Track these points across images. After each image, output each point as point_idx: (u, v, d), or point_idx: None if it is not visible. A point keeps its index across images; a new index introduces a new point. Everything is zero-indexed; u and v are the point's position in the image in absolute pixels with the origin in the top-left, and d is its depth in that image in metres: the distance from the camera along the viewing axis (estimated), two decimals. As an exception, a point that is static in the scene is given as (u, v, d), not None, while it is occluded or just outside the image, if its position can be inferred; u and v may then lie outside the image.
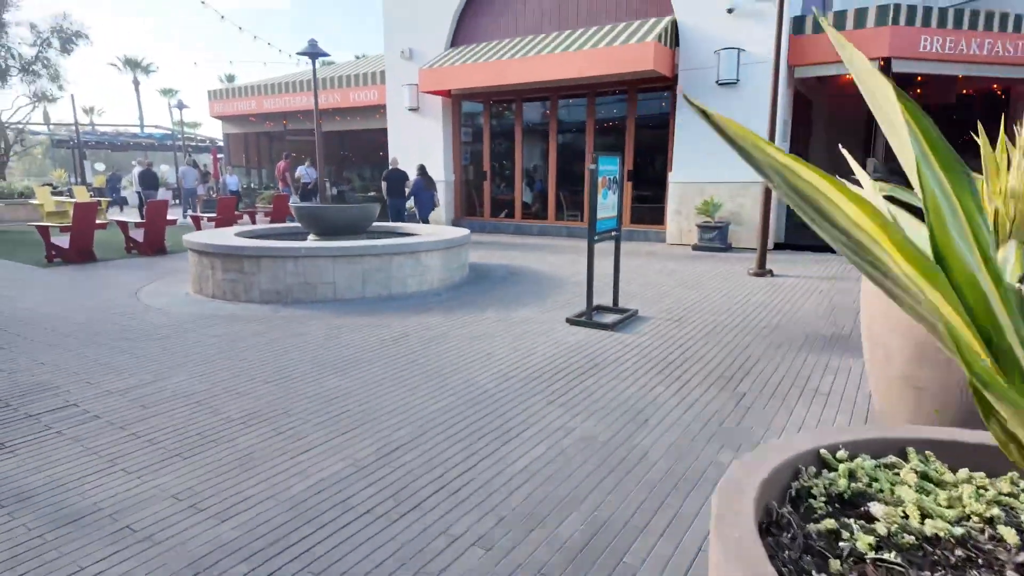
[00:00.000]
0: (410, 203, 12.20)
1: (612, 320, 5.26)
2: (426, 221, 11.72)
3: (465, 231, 7.85)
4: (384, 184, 11.91)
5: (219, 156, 22.77)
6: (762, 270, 7.69)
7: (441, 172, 13.72)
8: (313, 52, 11.69)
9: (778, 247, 10.02)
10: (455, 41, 13.30)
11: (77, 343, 4.83)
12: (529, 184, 13.32)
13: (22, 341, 4.89)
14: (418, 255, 6.81)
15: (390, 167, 12.16)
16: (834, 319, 5.53)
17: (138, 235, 10.12)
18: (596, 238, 5.16)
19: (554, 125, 12.53)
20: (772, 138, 7.42)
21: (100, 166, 31.74)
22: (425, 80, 12.70)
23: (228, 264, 6.41)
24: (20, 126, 17.26)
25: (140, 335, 5.06)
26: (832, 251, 9.71)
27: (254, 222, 12.62)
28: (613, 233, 5.53)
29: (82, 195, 16.99)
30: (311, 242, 7.36)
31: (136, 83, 48.72)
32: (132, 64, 48.51)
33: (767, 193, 7.57)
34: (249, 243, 6.53)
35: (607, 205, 5.30)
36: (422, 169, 11.81)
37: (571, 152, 12.60)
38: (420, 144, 13.94)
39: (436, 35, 13.31)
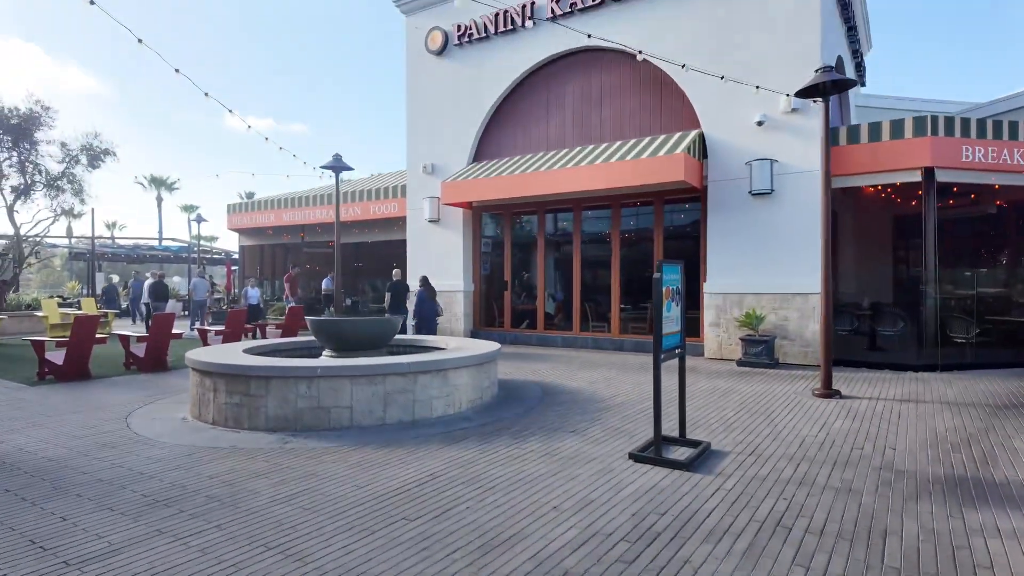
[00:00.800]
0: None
1: (685, 457, 4.39)
2: (432, 332, 11.13)
3: (495, 345, 7.16)
4: (388, 296, 11.75)
5: (233, 268, 22.74)
6: (829, 391, 6.85)
7: (460, 282, 13.31)
8: (337, 166, 11.71)
9: (829, 363, 9.20)
10: (477, 156, 13.42)
11: (40, 488, 3.98)
12: (552, 294, 12.82)
13: (-23, 484, 4.05)
14: (446, 373, 6.06)
15: (393, 279, 12.04)
16: (950, 455, 4.63)
17: (140, 350, 9.47)
18: (662, 356, 4.43)
19: (578, 236, 12.25)
20: (827, 250, 6.92)
21: (115, 277, 31.93)
22: (447, 193, 12.64)
23: (233, 386, 5.66)
24: (38, 239, 17.30)
25: (120, 476, 4.21)
26: (892, 368, 8.89)
27: (264, 335, 11.98)
28: (677, 351, 4.81)
29: (90, 307, 16.61)
30: (328, 359, 6.66)
31: (159, 199, 50.65)
32: (158, 182, 50.72)
33: (827, 305, 6.92)
34: (257, 362, 5.83)
35: (671, 318, 4.63)
36: (424, 280, 11.63)
37: (595, 262, 12.21)
38: (440, 254, 13.67)
39: (458, 151, 13.46)
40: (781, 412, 6.13)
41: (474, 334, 13.29)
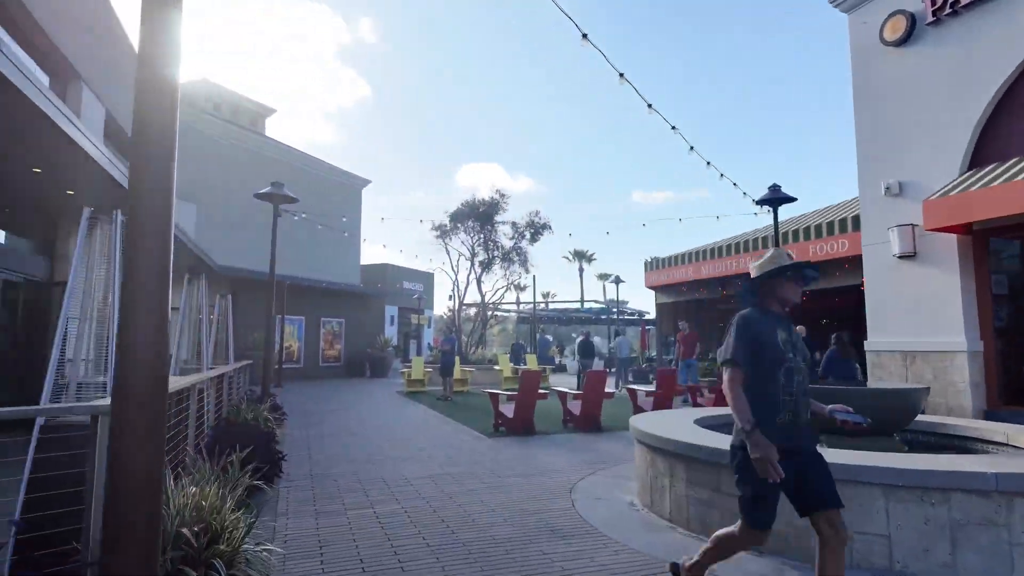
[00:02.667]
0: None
1: None
2: None
3: None
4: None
5: (648, 328, 22.78)
6: None
7: (960, 339, 9.36)
8: (775, 198, 9.83)
9: None
10: (976, 161, 9.55)
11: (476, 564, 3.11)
12: None
13: (414, 543, 3.47)
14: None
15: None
16: None
17: (575, 407, 9.22)
18: None
19: None
20: None
21: (549, 337, 36.67)
22: (932, 214, 9.20)
23: (694, 473, 4.18)
24: (495, 304, 20.63)
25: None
26: None
27: (695, 403, 10.49)
28: None
29: (532, 363, 18.51)
30: (835, 451, 4.62)
31: (581, 270, 57.60)
32: (579, 255, 57.97)
33: None
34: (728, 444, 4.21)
35: None
36: (839, 338, 8.63)
37: None
38: (917, 301, 10.03)
39: (942, 159, 9.85)
40: None
41: (989, 415, 9.04)
